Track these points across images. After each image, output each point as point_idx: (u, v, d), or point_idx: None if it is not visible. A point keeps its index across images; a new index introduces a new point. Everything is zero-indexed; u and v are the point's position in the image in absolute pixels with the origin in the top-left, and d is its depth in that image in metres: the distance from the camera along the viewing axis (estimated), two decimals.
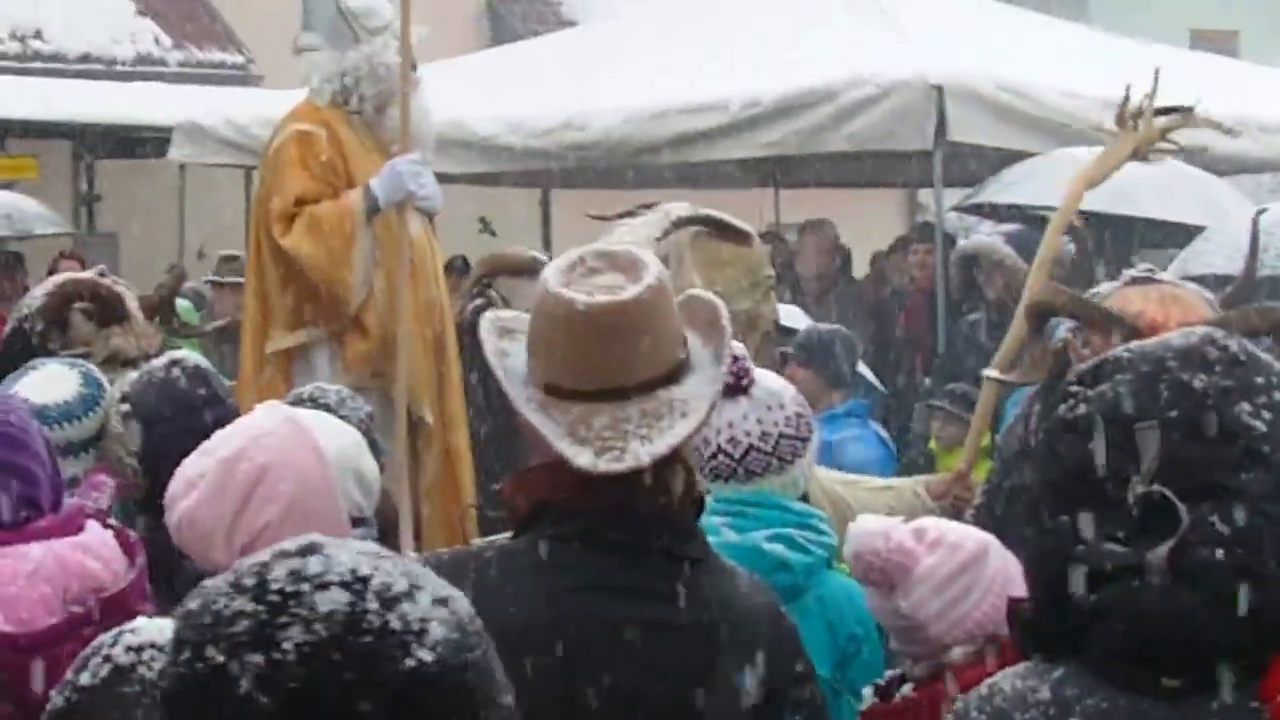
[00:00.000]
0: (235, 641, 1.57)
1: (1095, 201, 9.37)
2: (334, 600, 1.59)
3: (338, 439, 3.29)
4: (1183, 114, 6.76)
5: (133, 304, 5.23)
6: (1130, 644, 1.92)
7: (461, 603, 1.66)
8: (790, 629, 2.86)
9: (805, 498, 3.86)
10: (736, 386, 3.64)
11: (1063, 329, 4.92)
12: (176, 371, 4.09)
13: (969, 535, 3.40)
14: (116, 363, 4.86)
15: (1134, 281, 5.53)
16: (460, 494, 6.64)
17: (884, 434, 8.17)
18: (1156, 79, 6.65)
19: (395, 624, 1.59)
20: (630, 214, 4.91)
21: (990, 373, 5.49)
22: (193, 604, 1.63)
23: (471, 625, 1.65)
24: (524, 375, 2.68)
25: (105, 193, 17.05)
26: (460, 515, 6.49)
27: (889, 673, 3.50)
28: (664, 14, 13.43)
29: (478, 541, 2.80)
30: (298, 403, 4.83)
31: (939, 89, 9.45)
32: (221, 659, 1.57)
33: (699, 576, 2.71)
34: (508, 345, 2.74)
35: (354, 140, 6.75)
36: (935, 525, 3.45)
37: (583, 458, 2.56)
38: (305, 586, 1.60)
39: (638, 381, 2.64)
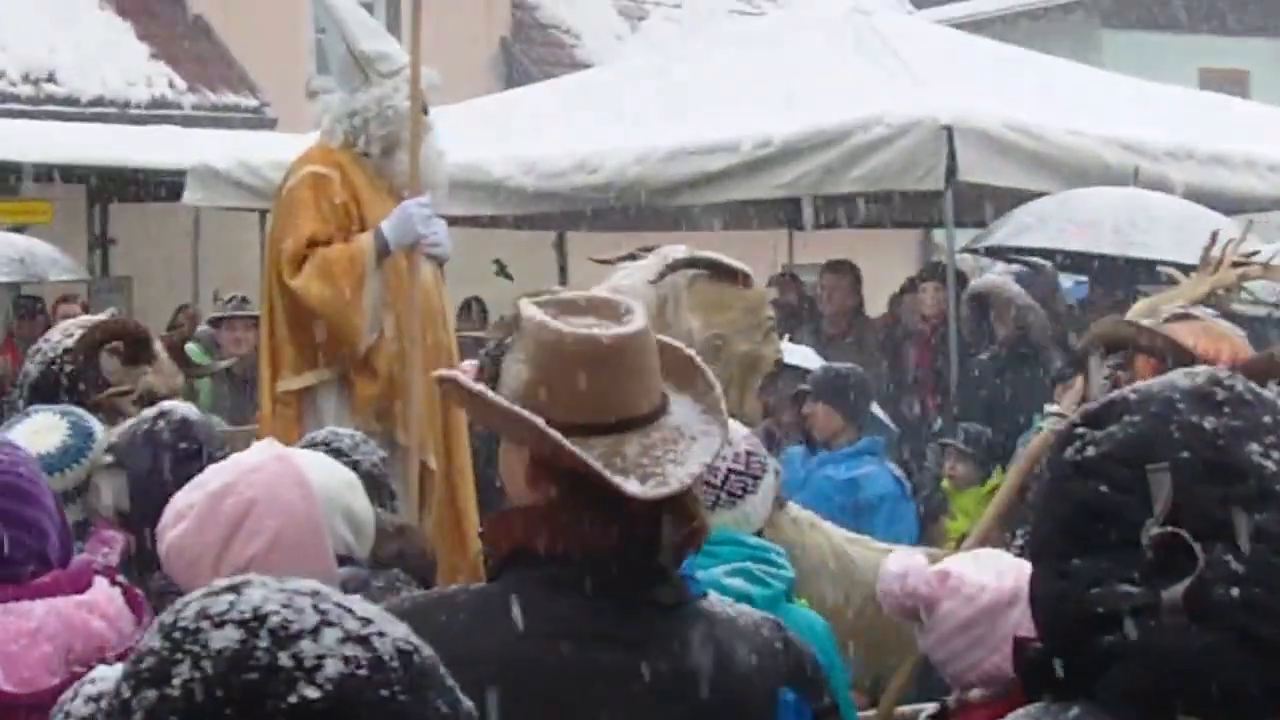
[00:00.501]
0: (140, 678, 1.61)
1: (1106, 244, 9.43)
2: (226, 638, 1.61)
3: (328, 477, 3.32)
4: (1264, 266, 6.86)
5: (158, 344, 5.31)
6: (1146, 684, 1.91)
7: (392, 642, 1.67)
8: (810, 669, 2.83)
9: (760, 533, 3.98)
10: None
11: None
12: (161, 424, 4.09)
13: (993, 582, 3.43)
14: (147, 402, 4.87)
15: (1175, 318, 5.60)
16: (466, 542, 6.61)
17: (898, 471, 8.23)
18: (1243, 238, 6.75)
19: (285, 661, 1.60)
20: (631, 257, 4.92)
21: (1053, 408, 5.52)
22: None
23: (395, 663, 1.65)
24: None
25: (119, 236, 17.06)
26: (465, 562, 6.46)
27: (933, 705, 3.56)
28: (676, 56, 13.50)
29: (453, 586, 2.79)
30: (311, 446, 4.83)
31: (949, 130, 9.45)
32: (127, 694, 1.61)
33: (678, 623, 2.68)
34: (490, 389, 2.74)
35: (366, 183, 6.78)
36: (959, 570, 3.48)
37: (631, 485, 2.55)
38: (205, 624, 1.62)
39: (652, 409, 2.67)
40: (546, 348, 2.64)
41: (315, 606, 1.65)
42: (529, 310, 2.69)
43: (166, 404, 4.28)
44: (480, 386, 2.70)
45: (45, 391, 4.92)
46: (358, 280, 6.59)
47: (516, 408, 2.62)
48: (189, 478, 3.45)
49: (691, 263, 4.65)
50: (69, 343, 5.05)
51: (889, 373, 11.00)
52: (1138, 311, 6.05)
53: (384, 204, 6.71)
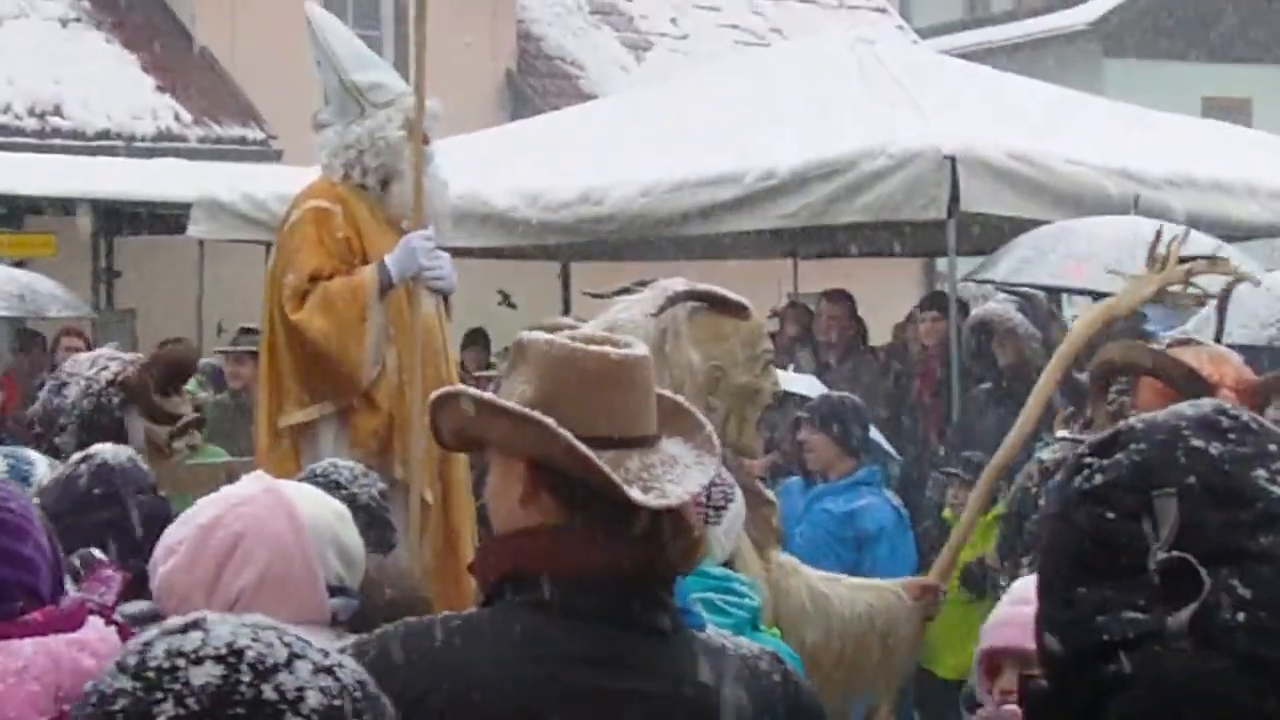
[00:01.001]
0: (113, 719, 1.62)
1: (1103, 282, 9.38)
2: (208, 674, 1.63)
3: (317, 509, 3.32)
4: (1211, 261, 6.89)
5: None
6: (1153, 711, 1.91)
7: (351, 672, 1.69)
8: (807, 701, 2.85)
9: (730, 565, 3.97)
10: None
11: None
12: (82, 469, 4.08)
13: None
14: (190, 427, 5.04)
15: (1177, 343, 5.63)
16: (461, 580, 6.53)
17: (896, 501, 8.24)
18: (1187, 234, 6.78)
19: (269, 694, 1.62)
20: (627, 290, 4.89)
21: (1064, 432, 5.55)
22: (86, 687, 1.69)
23: (360, 693, 1.68)
24: None
25: (124, 268, 17.10)
26: (460, 601, 6.43)
27: None
28: (680, 86, 13.55)
29: (447, 612, 2.77)
30: (310, 478, 4.86)
31: (952, 160, 9.48)
32: None
33: (676, 650, 2.70)
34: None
35: (368, 216, 6.76)
36: None
37: (634, 492, 2.60)
38: (181, 662, 1.63)
39: (650, 434, 2.73)
40: (557, 363, 2.70)
41: (281, 639, 1.67)
42: (535, 334, 2.75)
43: (95, 447, 4.26)
44: (488, 394, 2.75)
45: (101, 422, 4.94)
46: (360, 314, 6.57)
47: (528, 410, 2.65)
48: (107, 523, 3.53)
49: (691, 295, 4.65)
50: (107, 375, 5.06)
51: (891, 401, 11.00)
52: (1092, 320, 6.08)
53: (386, 236, 6.71)
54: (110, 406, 5.04)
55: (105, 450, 4.18)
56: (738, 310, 4.67)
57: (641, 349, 2.74)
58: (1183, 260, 6.53)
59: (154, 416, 5.11)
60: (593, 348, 2.71)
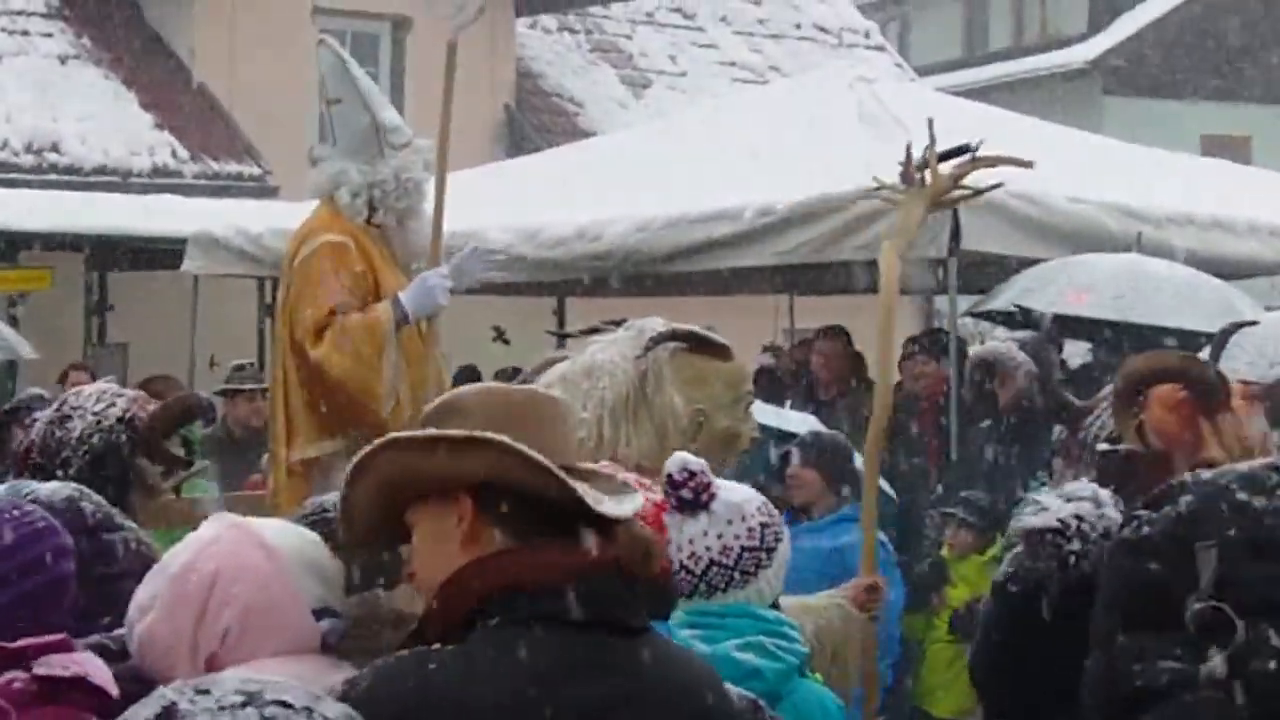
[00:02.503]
0: None
1: (1106, 310, 9.41)
2: None
3: (288, 536, 3.26)
4: (973, 158, 6.82)
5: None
6: None
7: (332, 707, 1.71)
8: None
9: (776, 605, 3.89)
10: (696, 502, 3.69)
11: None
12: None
13: None
14: (181, 466, 5.01)
15: None
16: None
17: (883, 537, 8.16)
18: (931, 128, 6.66)
19: None
20: (595, 330, 4.86)
21: (1104, 446, 5.45)
22: None
23: None
24: None
25: (118, 303, 17.10)
26: None
27: None
28: (677, 123, 13.59)
29: (436, 646, 2.75)
30: (319, 510, 4.90)
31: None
32: None
33: (660, 649, 2.76)
34: None
35: (377, 252, 6.84)
36: None
37: (606, 505, 2.69)
38: None
39: (578, 467, 2.80)
40: (493, 403, 2.80)
41: (263, 717, 1.64)
42: (463, 389, 2.91)
43: (31, 485, 4.13)
44: (440, 432, 2.77)
45: (110, 464, 4.90)
46: (378, 349, 6.68)
47: (479, 432, 2.70)
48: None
49: (672, 336, 4.60)
50: (115, 412, 5.00)
51: (888, 438, 10.94)
52: (890, 262, 6.04)
53: (393, 273, 6.84)
54: (119, 445, 4.97)
55: (41, 490, 4.04)
56: (719, 351, 4.62)
57: (555, 392, 2.86)
58: (941, 159, 6.46)
59: (154, 458, 5.04)
60: (522, 387, 2.81)
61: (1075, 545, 3.09)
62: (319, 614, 3.15)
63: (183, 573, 3.04)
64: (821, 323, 12.48)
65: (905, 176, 6.57)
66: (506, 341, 14.63)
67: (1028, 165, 7.65)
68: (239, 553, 3.06)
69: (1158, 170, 12.02)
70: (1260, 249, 10.99)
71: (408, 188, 6.85)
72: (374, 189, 6.84)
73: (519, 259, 10.88)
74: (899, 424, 11.19)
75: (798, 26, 25.51)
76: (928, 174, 6.69)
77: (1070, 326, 10.54)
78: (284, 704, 1.68)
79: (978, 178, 6.72)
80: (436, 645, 2.72)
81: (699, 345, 4.60)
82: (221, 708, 1.62)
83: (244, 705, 1.64)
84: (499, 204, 11.31)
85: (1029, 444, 9.16)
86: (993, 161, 6.97)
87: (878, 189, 7.43)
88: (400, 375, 6.74)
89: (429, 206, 6.93)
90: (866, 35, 26.19)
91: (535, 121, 21.91)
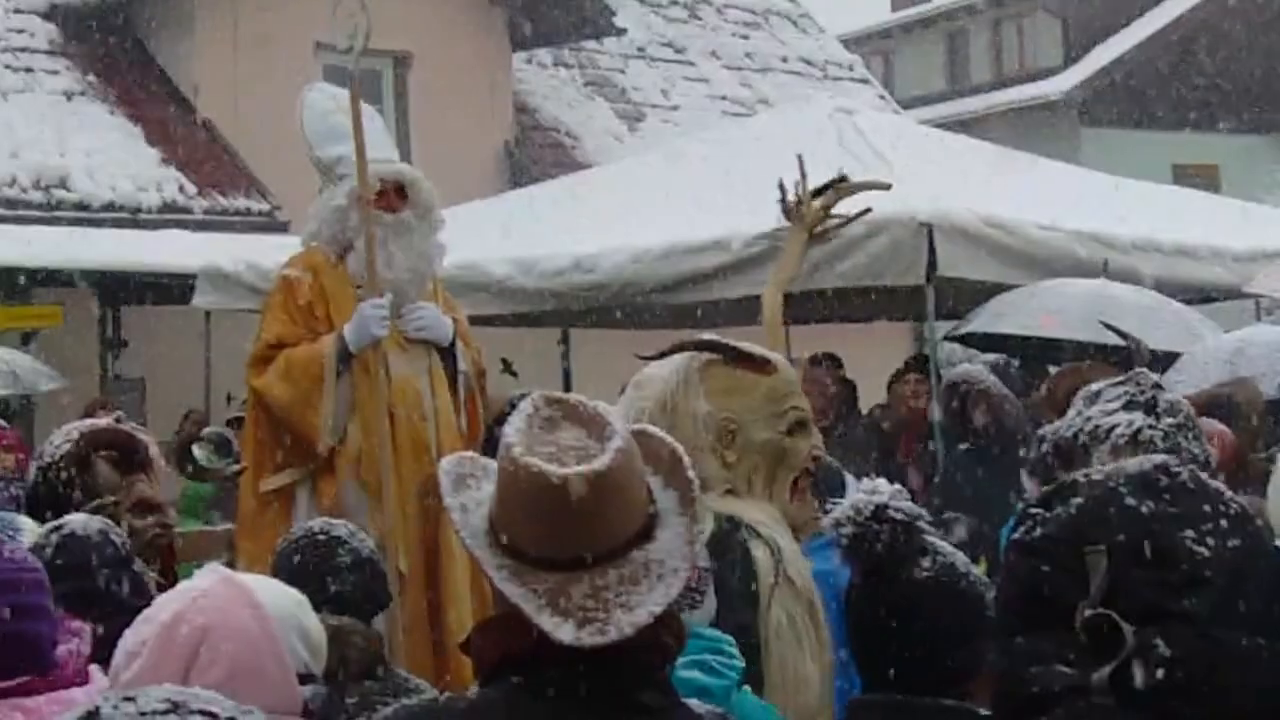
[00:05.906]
0: None
1: (1077, 331, 9.67)
2: None
3: (278, 597, 3.24)
4: (835, 188, 7.22)
5: (154, 450, 5.08)
6: None
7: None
8: None
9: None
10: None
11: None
12: (51, 539, 4.00)
13: None
14: (142, 509, 4.82)
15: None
16: (446, 649, 6.52)
17: None
18: (801, 163, 6.94)
19: None
20: (680, 348, 4.69)
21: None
22: None
23: None
24: (487, 534, 2.60)
25: (131, 339, 17.08)
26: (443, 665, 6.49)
27: None
28: (669, 155, 13.67)
29: (446, 695, 2.76)
30: (307, 535, 4.97)
31: (929, 226, 9.68)
32: None
33: None
34: (468, 498, 2.65)
35: (337, 283, 6.88)
36: None
37: (564, 632, 2.45)
38: None
39: (612, 548, 2.54)
40: (504, 476, 2.58)
41: None
42: (509, 428, 2.61)
43: (66, 518, 4.16)
44: (450, 501, 2.65)
45: (44, 499, 4.78)
46: (315, 380, 6.65)
47: (457, 520, 2.62)
48: (71, 594, 3.49)
49: (705, 345, 4.49)
50: (67, 448, 4.88)
51: (880, 463, 10.98)
52: (772, 294, 6.24)
53: (352, 303, 6.79)
54: (56, 481, 4.83)
55: (75, 521, 4.08)
56: (759, 364, 4.47)
57: (606, 455, 2.54)
58: (815, 196, 6.73)
59: (89, 494, 4.79)
60: (534, 467, 2.52)
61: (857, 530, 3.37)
62: (302, 679, 3.15)
63: (173, 622, 2.97)
64: (817, 351, 12.49)
65: (787, 214, 6.84)
66: (514, 374, 14.80)
67: (885, 188, 7.92)
68: (230, 610, 3.00)
69: (1127, 199, 12.21)
70: (1225, 274, 11.21)
71: (334, 218, 6.86)
72: (310, 221, 7.00)
73: (519, 290, 11.09)
74: (887, 447, 11.46)
75: (784, 60, 25.70)
76: (804, 209, 6.91)
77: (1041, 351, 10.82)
78: (209, 714, 1.65)
79: (911, 205, 6.97)
80: (458, 694, 2.79)
81: (734, 357, 4.49)
82: (143, 714, 1.62)
83: (167, 713, 1.61)
84: (497, 237, 11.48)
85: (1005, 466, 9.11)
86: (861, 186, 7.27)
87: (768, 233, 7.69)
88: (350, 411, 6.69)
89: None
90: (851, 69, 26.41)
91: (533, 155, 21.92)
